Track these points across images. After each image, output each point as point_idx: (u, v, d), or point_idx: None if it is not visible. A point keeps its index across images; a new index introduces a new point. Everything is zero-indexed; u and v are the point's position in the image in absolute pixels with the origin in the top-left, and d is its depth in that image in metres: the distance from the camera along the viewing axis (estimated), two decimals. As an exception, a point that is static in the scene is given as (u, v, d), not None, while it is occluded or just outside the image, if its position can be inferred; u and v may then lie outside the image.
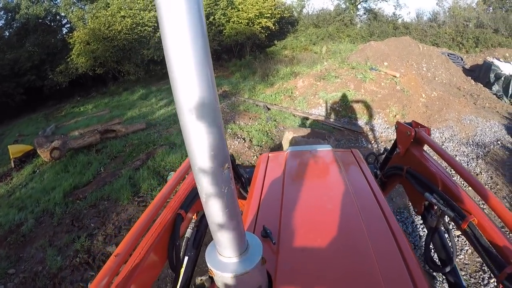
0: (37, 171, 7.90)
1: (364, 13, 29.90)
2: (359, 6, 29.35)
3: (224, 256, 0.80)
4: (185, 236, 1.61)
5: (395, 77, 10.55)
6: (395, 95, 9.71)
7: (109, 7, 19.23)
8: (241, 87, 13.42)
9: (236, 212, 0.73)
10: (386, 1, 35.70)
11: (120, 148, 7.99)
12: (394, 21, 26.61)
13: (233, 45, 21.58)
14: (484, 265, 3.83)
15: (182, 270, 1.47)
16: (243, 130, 8.24)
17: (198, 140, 0.59)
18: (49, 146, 7.37)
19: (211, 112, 0.57)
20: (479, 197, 1.34)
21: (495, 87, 12.08)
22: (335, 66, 12.08)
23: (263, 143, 7.57)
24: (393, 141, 2.44)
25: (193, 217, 1.71)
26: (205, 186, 0.66)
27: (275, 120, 9.03)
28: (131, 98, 16.19)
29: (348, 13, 27.84)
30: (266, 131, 8.23)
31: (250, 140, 7.72)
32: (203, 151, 0.60)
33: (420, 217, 1.69)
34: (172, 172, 6.14)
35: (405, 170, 1.91)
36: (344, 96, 9.79)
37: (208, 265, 0.81)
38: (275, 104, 10.46)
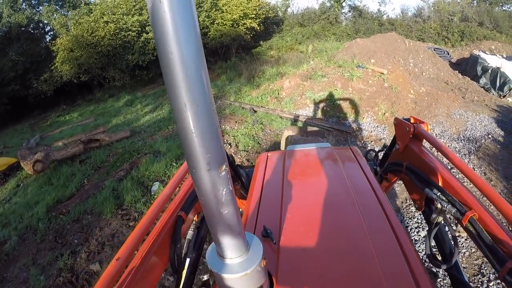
0: (21, 184, 7.75)
1: (349, 11, 29.99)
2: (343, 4, 29.37)
3: (225, 258, 0.80)
4: (186, 237, 1.61)
5: (383, 74, 10.53)
6: (383, 92, 9.66)
7: (91, 13, 18.96)
8: (227, 89, 13.24)
9: (235, 213, 0.73)
10: (371, -2, 35.93)
11: (104, 158, 7.83)
12: (379, 17, 26.69)
13: (218, 47, 21.33)
14: (483, 268, 3.76)
15: (184, 271, 1.46)
16: (229, 135, 8.10)
17: (195, 143, 0.59)
18: (32, 159, 7.17)
19: (207, 114, 0.57)
20: (479, 192, 1.34)
21: (483, 80, 12.17)
22: (322, 65, 12.04)
23: (250, 147, 7.42)
24: (383, 140, 2.40)
25: (194, 218, 1.69)
26: (203, 188, 0.66)
27: (261, 123, 8.88)
28: (117, 104, 16.01)
29: (333, 11, 27.84)
30: (252, 135, 8.09)
31: (236, 145, 7.57)
32: (200, 154, 0.60)
33: (420, 215, 1.65)
34: (157, 183, 6.00)
35: (405, 166, 1.91)
36: (331, 96, 9.72)
37: (209, 266, 0.81)
38: (261, 106, 10.32)
